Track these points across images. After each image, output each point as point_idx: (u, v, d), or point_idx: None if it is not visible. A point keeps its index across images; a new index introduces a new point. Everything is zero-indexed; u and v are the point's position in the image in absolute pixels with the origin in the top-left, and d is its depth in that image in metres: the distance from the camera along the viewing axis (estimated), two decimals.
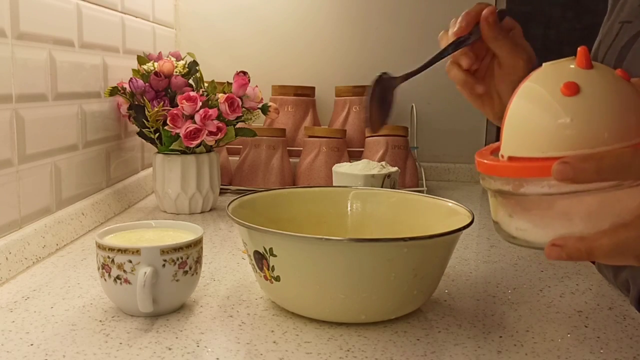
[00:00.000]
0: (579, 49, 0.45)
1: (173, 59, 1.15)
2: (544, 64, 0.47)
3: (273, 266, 0.62)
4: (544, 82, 0.46)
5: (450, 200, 0.74)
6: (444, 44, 0.71)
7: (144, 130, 1.11)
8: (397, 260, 0.60)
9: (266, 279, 0.64)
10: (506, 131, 0.47)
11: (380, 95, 0.69)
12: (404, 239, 0.59)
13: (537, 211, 0.46)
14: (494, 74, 0.74)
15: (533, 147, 0.44)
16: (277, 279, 0.62)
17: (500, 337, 0.62)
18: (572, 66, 0.45)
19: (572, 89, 0.43)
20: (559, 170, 0.41)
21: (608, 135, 0.42)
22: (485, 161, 0.48)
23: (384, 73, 0.70)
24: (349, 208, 0.81)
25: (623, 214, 0.43)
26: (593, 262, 0.87)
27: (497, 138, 0.50)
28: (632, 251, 0.43)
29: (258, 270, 0.65)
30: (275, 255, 0.61)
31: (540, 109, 0.45)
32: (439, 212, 0.74)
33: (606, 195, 0.43)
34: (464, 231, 0.63)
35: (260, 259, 0.63)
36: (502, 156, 0.47)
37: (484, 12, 0.68)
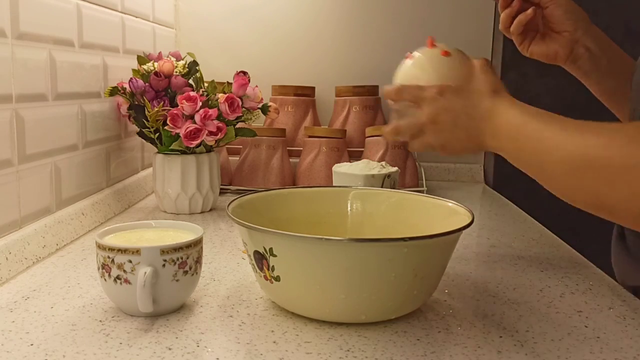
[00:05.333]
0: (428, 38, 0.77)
1: (173, 59, 1.15)
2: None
3: (273, 266, 0.62)
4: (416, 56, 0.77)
5: (450, 200, 0.74)
6: None
7: (144, 130, 1.11)
8: (397, 260, 0.60)
9: (266, 279, 0.64)
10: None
11: None
12: (404, 239, 0.59)
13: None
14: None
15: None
16: (277, 279, 0.62)
17: (500, 337, 0.62)
18: (426, 48, 0.76)
19: (409, 56, 0.77)
20: (384, 91, 0.74)
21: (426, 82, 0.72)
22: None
23: None
24: (349, 208, 0.82)
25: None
26: (593, 263, 0.87)
27: None
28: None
29: (258, 270, 0.65)
30: (275, 255, 0.61)
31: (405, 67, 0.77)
32: (439, 212, 0.74)
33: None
34: (464, 231, 0.63)
35: (260, 259, 0.63)
36: None
37: None
